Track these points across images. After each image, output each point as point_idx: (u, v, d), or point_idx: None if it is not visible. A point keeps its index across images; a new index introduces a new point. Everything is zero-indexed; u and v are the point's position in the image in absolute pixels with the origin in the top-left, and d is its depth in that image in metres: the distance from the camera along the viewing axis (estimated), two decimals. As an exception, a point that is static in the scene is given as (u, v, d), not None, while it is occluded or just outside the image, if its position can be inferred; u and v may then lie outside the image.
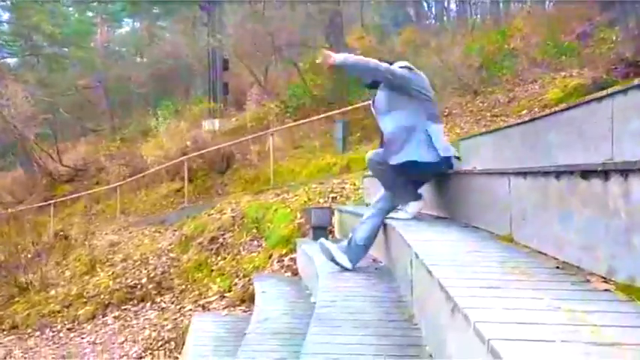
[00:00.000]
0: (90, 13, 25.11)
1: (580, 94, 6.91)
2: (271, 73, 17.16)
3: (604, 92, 2.05)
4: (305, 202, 5.43)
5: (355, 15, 21.94)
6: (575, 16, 12.00)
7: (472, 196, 2.50)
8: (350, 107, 8.65)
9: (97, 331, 5.57)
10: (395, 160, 2.62)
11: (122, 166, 14.61)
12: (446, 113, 9.21)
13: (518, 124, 3.16)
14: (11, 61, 22.22)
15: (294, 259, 4.54)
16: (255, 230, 5.83)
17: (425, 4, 24.63)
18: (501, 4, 20.21)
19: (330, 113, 9.21)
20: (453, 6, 23.98)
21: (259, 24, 15.39)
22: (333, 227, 4.42)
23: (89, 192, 11.99)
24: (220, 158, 12.07)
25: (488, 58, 10.61)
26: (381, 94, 2.76)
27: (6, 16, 21.20)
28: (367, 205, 4.66)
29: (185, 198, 9.01)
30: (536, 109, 7.29)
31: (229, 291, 4.81)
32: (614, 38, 9.60)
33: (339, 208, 4.43)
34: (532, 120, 2.82)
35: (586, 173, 1.31)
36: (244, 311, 4.26)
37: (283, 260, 4.67)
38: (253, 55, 15.65)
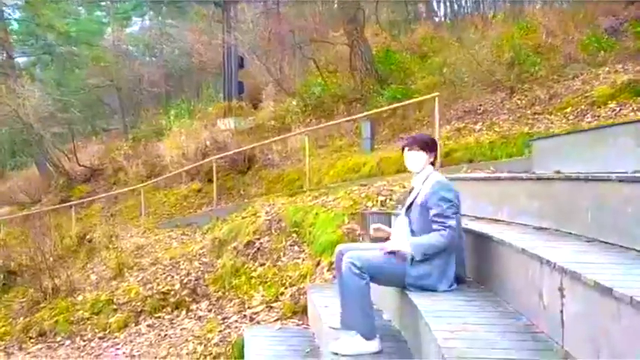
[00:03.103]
0: (99, 12, 24.94)
1: (635, 90, 6.56)
2: (288, 71, 16.88)
3: None
4: (351, 205, 5.13)
5: (371, 13, 21.63)
6: (597, 11, 11.59)
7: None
8: (383, 108, 8.27)
9: (131, 341, 5.31)
10: None
11: (140, 165, 14.39)
12: (480, 111, 8.89)
13: (619, 123, 2.81)
14: (24, 60, 22.04)
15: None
16: (295, 235, 5.53)
17: (434, 2, 24.21)
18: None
19: (359, 115, 8.88)
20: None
21: (276, 20, 15.12)
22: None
23: (113, 193, 11.77)
24: (242, 158, 11.79)
25: (521, 52, 10.23)
26: None
27: (17, 15, 21.04)
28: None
29: (214, 200, 8.73)
30: (582, 107, 6.95)
31: (276, 301, 4.52)
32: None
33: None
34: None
35: None
36: (297, 324, 3.97)
37: (334, 269, 4.36)
38: (270, 52, 15.37)
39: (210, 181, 11.12)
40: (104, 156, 16.58)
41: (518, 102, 8.34)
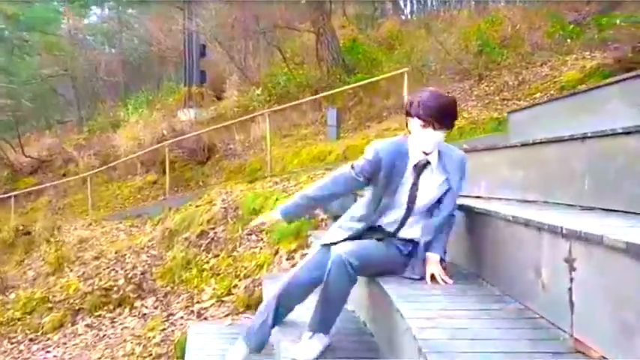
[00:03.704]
0: (56, 2, 23.51)
1: (603, 74, 6.41)
2: (252, 60, 16.29)
3: None
4: (313, 189, 4.70)
5: (337, 7, 21.24)
6: (560, 8, 11.66)
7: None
8: (351, 86, 7.86)
9: (65, 343, 4.71)
10: None
11: (92, 156, 13.53)
12: (448, 98, 8.63)
13: (609, 83, 2.51)
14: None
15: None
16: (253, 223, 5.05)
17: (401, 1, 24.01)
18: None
19: (326, 93, 8.47)
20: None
21: (240, 7, 14.50)
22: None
23: (56, 183, 10.89)
24: (201, 148, 11.17)
25: (488, 42, 10.08)
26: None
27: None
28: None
29: (166, 188, 8.11)
30: (552, 92, 6.79)
31: (228, 294, 4.04)
32: (617, 22, 9.27)
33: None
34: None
35: None
36: (250, 319, 3.50)
37: (294, 257, 3.94)
38: (234, 39, 14.77)
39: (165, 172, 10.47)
40: (55, 147, 15.57)
41: (487, 89, 8.15)
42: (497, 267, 1.83)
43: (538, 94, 6.92)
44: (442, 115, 1.92)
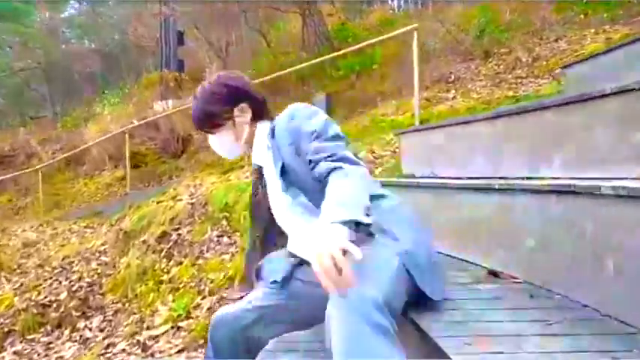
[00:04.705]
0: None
1: (637, 43, 5.54)
2: (235, 47, 15.27)
3: None
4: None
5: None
6: None
7: None
8: (349, 49, 6.89)
9: (-18, 380, 3.67)
10: None
11: (59, 151, 12.41)
12: (451, 79, 7.72)
13: None
14: None
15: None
16: (224, 222, 4.07)
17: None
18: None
19: (304, 64, 7.55)
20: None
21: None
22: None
23: (6, 177, 9.84)
24: (175, 139, 10.11)
25: (489, 23, 9.20)
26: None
27: None
28: (405, 176, 3.02)
29: (127, 181, 7.08)
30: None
31: (187, 317, 3.04)
32: (630, -1, 8.49)
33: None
34: None
35: None
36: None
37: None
38: (213, 22, 13.74)
39: (137, 167, 9.44)
40: (19, 143, 14.39)
41: (496, 67, 7.23)
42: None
43: (558, 70, 6.01)
44: (214, 100, 1.44)
